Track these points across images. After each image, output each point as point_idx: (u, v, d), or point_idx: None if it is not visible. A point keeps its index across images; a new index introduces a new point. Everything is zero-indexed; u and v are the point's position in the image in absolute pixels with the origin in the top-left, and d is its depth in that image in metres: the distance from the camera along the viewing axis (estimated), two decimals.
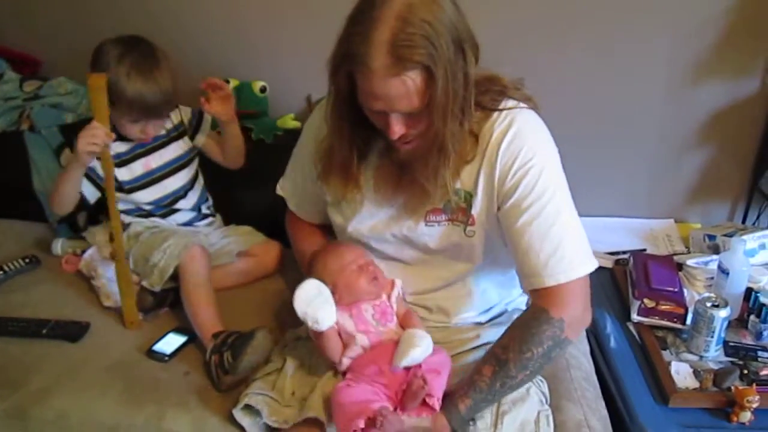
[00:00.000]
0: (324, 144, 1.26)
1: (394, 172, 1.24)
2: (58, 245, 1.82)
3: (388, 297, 1.27)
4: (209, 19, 1.97)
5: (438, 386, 1.14)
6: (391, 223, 1.28)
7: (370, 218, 1.29)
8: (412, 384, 1.12)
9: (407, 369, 1.16)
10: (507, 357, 1.14)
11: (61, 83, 2.05)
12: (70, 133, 1.94)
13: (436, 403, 1.12)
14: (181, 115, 1.72)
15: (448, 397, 1.16)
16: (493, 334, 1.30)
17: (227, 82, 1.92)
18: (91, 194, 1.65)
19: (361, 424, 1.07)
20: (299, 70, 1.96)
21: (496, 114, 1.18)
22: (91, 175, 1.63)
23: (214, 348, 1.38)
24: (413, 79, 1.03)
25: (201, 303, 1.49)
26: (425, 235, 1.26)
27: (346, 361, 1.21)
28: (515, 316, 1.26)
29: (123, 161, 1.65)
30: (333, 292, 1.22)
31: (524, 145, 1.16)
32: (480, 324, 1.36)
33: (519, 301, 1.43)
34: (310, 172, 1.35)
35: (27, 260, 1.76)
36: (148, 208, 1.70)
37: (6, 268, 1.71)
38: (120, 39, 1.56)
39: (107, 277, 1.64)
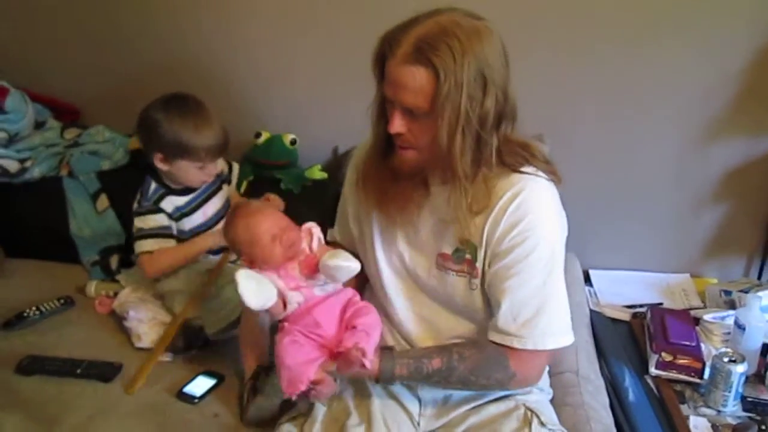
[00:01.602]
0: (365, 153, 1.31)
1: (415, 202, 1.26)
2: (92, 287, 1.88)
3: (309, 248, 1.27)
4: (243, 77, 2.07)
5: (371, 348, 1.20)
6: (404, 255, 1.31)
7: (389, 248, 1.32)
8: (350, 355, 1.16)
9: (341, 324, 1.24)
10: (458, 366, 1.21)
11: (99, 131, 2.14)
12: (107, 179, 2.05)
13: (368, 364, 1.18)
14: (220, 164, 1.81)
15: (389, 352, 1.24)
16: None
17: (259, 134, 2.03)
18: None
19: (303, 387, 1.18)
20: (327, 124, 2.05)
21: (514, 175, 1.21)
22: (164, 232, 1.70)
23: (253, 374, 1.42)
24: (421, 75, 1.08)
25: (258, 343, 1.52)
26: (434, 278, 1.29)
27: (282, 316, 1.25)
28: None
29: (183, 214, 1.72)
30: (252, 262, 1.26)
31: (529, 213, 1.18)
32: None
33: None
34: (351, 208, 1.41)
35: (62, 301, 1.82)
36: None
37: (42, 309, 1.77)
38: (165, 101, 1.65)
39: (138, 318, 1.69)
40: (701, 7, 1.81)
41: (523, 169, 1.21)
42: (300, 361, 1.20)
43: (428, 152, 1.17)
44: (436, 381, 1.23)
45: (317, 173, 2.01)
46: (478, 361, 1.22)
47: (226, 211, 1.78)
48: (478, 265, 1.24)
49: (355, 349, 1.16)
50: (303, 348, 1.22)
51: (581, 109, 1.95)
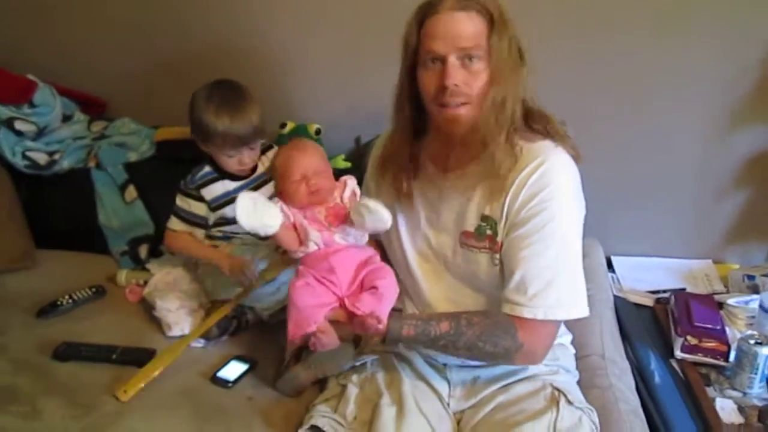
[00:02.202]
0: (386, 139, 1.38)
1: (436, 185, 1.32)
2: (122, 276, 1.91)
3: (341, 198, 1.31)
4: (268, 68, 2.09)
5: (386, 311, 1.23)
6: (429, 237, 1.34)
7: (413, 230, 1.36)
8: (365, 321, 1.20)
9: (355, 278, 1.26)
10: (466, 331, 1.22)
11: (125, 123, 2.18)
12: (134, 171, 2.08)
13: (383, 329, 1.21)
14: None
15: (398, 313, 1.27)
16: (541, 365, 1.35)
17: (284, 125, 2.05)
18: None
19: (309, 330, 1.23)
20: (350, 114, 2.08)
21: (537, 148, 1.23)
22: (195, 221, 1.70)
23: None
24: (475, 18, 1.17)
25: None
26: (459, 256, 1.32)
27: (300, 254, 1.29)
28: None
29: (229, 200, 1.67)
30: (280, 194, 1.31)
31: (549, 185, 1.21)
32: None
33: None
34: (374, 184, 1.45)
35: (93, 290, 1.85)
36: (246, 237, 1.73)
37: (75, 297, 1.80)
38: (209, 83, 1.64)
39: (166, 308, 1.71)
40: None
41: (546, 139, 1.25)
42: (310, 304, 1.24)
43: (478, 105, 1.20)
44: (442, 345, 1.24)
45: (341, 163, 2.03)
46: (487, 327, 1.23)
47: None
48: (499, 239, 1.26)
49: (371, 317, 1.20)
50: (315, 291, 1.25)
51: (604, 97, 1.96)
